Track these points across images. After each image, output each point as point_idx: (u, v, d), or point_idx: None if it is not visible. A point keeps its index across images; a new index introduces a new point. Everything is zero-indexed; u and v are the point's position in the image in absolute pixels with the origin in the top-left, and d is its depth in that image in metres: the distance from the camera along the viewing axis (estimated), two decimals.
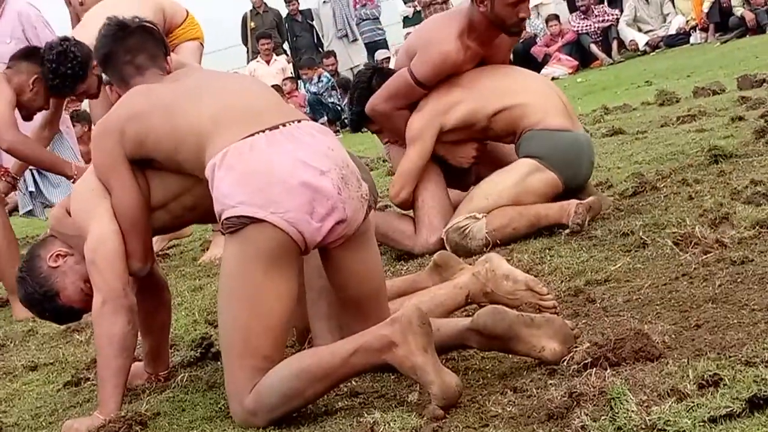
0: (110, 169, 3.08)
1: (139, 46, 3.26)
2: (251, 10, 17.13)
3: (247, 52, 17.38)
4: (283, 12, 17.32)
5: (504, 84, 4.64)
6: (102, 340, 3.03)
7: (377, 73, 4.96)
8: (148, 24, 3.34)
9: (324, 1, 16.65)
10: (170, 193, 3.12)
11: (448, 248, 4.36)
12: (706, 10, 15.10)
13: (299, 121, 2.88)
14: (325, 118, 15.05)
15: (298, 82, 16.55)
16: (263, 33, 16.76)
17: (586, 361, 2.65)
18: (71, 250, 3.23)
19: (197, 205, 3.09)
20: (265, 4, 17.16)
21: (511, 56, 15.85)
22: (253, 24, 17.03)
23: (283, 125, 2.83)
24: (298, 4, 17.06)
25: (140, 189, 3.09)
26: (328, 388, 2.73)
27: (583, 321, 3.15)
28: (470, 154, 4.76)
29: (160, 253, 6.04)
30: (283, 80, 16.19)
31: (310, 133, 2.85)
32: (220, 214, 2.77)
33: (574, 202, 4.33)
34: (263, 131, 2.80)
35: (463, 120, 4.61)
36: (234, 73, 14.15)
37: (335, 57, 15.96)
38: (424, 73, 4.61)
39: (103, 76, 3.53)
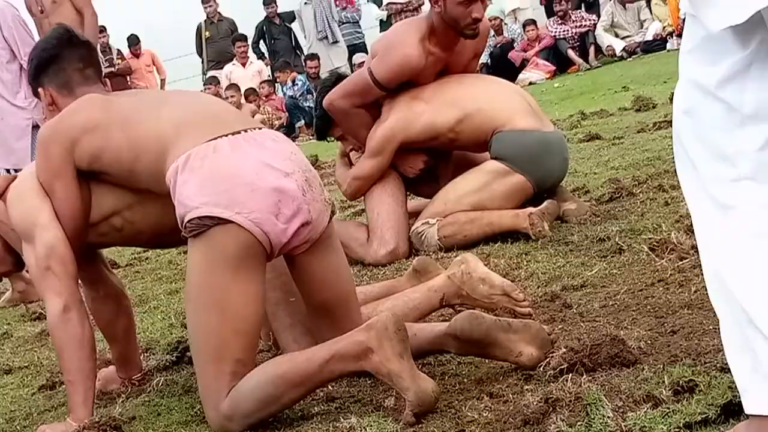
0: (55, 175, 3.03)
1: (90, 58, 3.28)
2: (206, 20, 17.08)
3: (202, 62, 17.37)
4: (238, 21, 17.30)
5: (463, 92, 4.67)
6: (72, 344, 2.98)
7: (340, 80, 4.99)
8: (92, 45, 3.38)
9: (305, 3, 16.61)
10: (103, 211, 3.10)
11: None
12: (683, 17, 15.12)
13: (260, 128, 2.89)
14: (302, 122, 15.03)
15: (276, 85, 16.54)
16: (239, 35, 16.76)
17: (563, 367, 2.66)
18: None
19: (124, 227, 3.10)
20: (219, 13, 17.13)
21: (488, 60, 15.84)
22: (208, 33, 17.01)
23: (245, 131, 2.83)
24: (277, 6, 17.03)
25: (83, 199, 3.06)
26: (305, 393, 2.72)
27: (560, 326, 3.16)
28: (418, 166, 4.84)
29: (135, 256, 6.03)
30: (261, 83, 16.16)
31: (272, 139, 2.86)
32: (182, 217, 2.74)
33: (528, 210, 4.38)
34: (226, 135, 2.80)
35: (425, 133, 4.65)
36: (189, 90, 14.18)
37: (319, 60, 15.91)
38: (382, 73, 4.63)
39: None
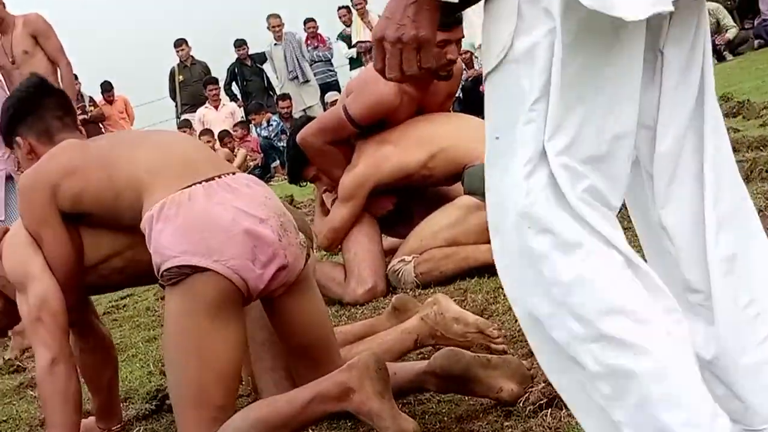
0: (41, 223, 3.03)
1: (67, 108, 3.32)
2: (179, 64, 17.08)
3: (176, 106, 17.37)
4: (210, 64, 17.36)
5: (432, 130, 4.71)
6: (57, 398, 2.97)
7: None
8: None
9: (275, 44, 16.66)
10: (101, 253, 3.09)
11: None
12: None
13: (234, 173, 2.90)
14: (277, 162, 15.02)
15: (250, 126, 16.54)
16: (210, 78, 16.75)
17: (542, 402, 2.65)
18: None
19: (126, 267, 3.10)
20: (192, 57, 17.14)
21: (460, 94, 15.80)
22: (181, 77, 17.00)
23: (219, 177, 2.84)
24: (248, 48, 17.07)
25: (74, 243, 3.05)
26: None
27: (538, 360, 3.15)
28: (387, 207, 4.88)
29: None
30: (234, 126, 16.14)
31: (246, 184, 2.86)
32: (159, 266, 2.73)
33: None
34: (200, 182, 2.80)
35: (396, 174, 4.69)
36: (165, 130, 14.15)
37: (291, 99, 15.93)
38: (357, 110, 4.66)
39: None
